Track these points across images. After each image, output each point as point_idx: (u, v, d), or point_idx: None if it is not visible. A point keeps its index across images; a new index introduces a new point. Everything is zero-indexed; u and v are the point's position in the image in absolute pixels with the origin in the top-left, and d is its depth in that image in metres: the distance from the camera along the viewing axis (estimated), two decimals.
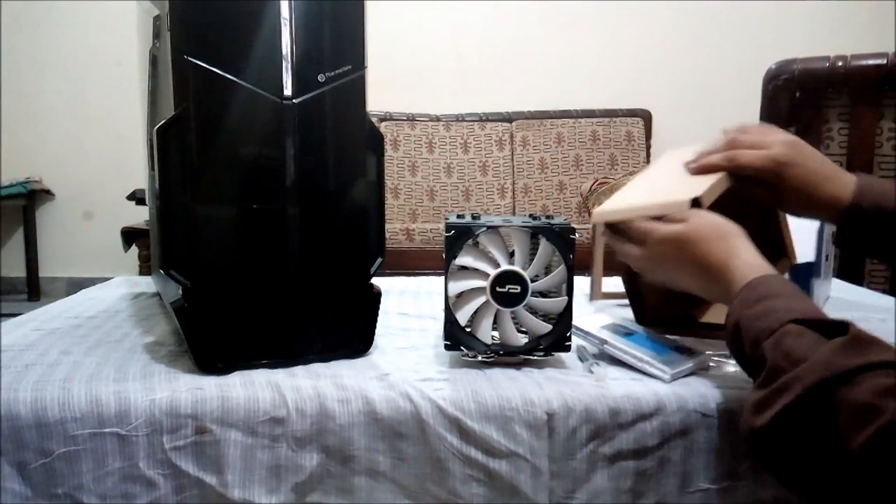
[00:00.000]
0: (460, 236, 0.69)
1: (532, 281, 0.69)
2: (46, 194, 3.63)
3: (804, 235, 0.85)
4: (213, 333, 0.68)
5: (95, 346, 0.76)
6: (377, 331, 0.76)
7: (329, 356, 0.72)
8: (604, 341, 0.73)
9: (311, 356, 0.71)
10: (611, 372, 0.69)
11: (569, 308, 0.70)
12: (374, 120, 1.43)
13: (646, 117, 3.41)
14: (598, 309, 0.96)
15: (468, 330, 0.71)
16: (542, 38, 3.53)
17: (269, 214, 0.68)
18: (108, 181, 3.47)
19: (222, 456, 0.62)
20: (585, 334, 0.74)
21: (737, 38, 3.45)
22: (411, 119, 3.37)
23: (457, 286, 0.70)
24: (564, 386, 0.66)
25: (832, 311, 0.95)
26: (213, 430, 0.62)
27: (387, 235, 0.91)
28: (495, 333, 0.71)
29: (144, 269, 2.83)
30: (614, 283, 0.89)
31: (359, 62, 0.69)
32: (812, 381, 0.49)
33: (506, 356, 0.71)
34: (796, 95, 1.66)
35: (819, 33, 3.30)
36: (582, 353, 0.74)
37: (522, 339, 0.72)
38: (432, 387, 0.65)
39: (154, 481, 0.62)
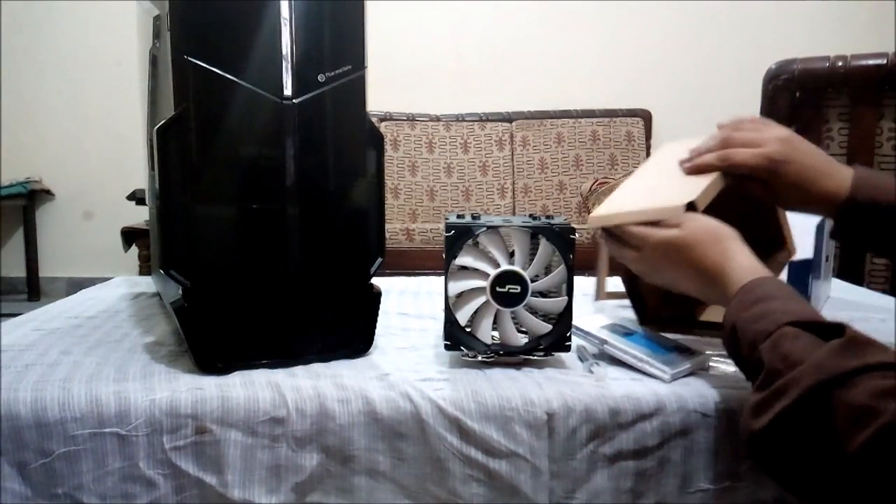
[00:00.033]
0: (460, 236, 0.69)
1: (532, 281, 0.69)
2: (46, 194, 3.63)
3: (801, 233, 0.85)
4: (213, 333, 0.68)
5: (95, 346, 0.76)
6: (377, 331, 0.76)
7: (329, 356, 0.72)
8: (604, 341, 0.73)
9: (311, 356, 0.71)
10: (611, 372, 0.69)
11: (569, 308, 0.70)
12: (374, 120, 1.43)
13: (646, 117, 3.41)
14: (598, 309, 0.96)
15: (468, 330, 0.71)
16: (542, 38, 3.53)
17: (269, 214, 0.68)
18: (108, 181, 3.47)
19: (222, 456, 0.62)
20: (585, 334, 0.74)
21: (737, 38, 3.45)
22: (411, 119, 3.37)
23: (457, 286, 0.70)
24: (564, 386, 0.66)
25: (832, 311, 0.95)
26: (213, 430, 0.62)
27: (387, 235, 0.91)
28: (495, 333, 0.71)
29: (144, 269, 2.83)
30: (619, 284, 0.89)
31: (359, 62, 0.69)
32: (809, 383, 0.49)
33: (506, 356, 0.71)
34: (796, 95, 1.66)
35: (819, 33, 3.30)
36: (582, 353, 0.74)
37: (522, 339, 0.72)
38: (432, 387, 0.65)
39: (154, 481, 0.62)
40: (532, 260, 0.70)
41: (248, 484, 0.62)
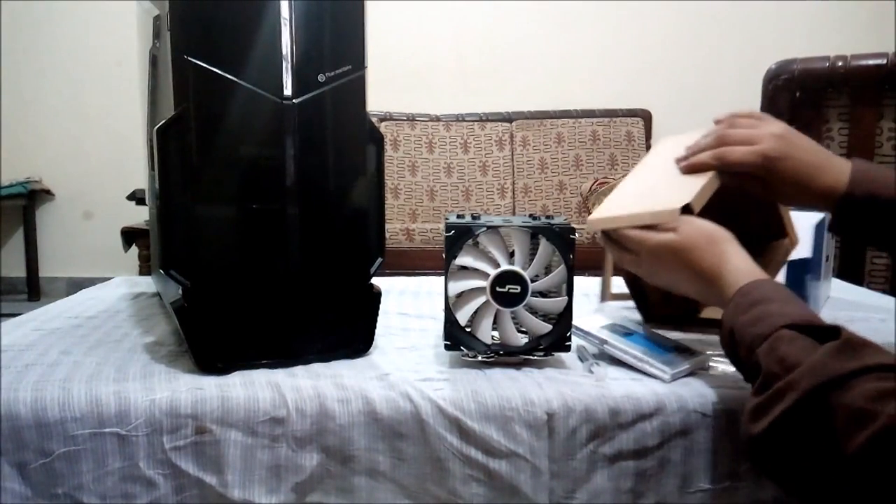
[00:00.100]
0: (460, 236, 0.69)
1: (532, 281, 0.69)
2: (46, 194, 3.63)
3: (800, 232, 0.85)
4: (213, 333, 0.68)
5: (95, 346, 0.76)
6: (377, 331, 0.76)
7: (329, 356, 0.72)
8: (604, 341, 0.73)
9: (311, 356, 0.71)
10: (611, 372, 0.69)
11: (569, 308, 0.70)
12: (374, 120, 1.43)
13: (646, 117, 3.41)
14: (599, 309, 0.96)
15: (468, 330, 0.71)
16: (542, 38, 3.53)
17: (269, 214, 0.68)
18: (108, 181, 3.47)
19: (222, 456, 0.62)
20: (585, 334, 0.74)
21: (737, 38, 3.45)
22: (411, 119, 3.37)
23: (457, 286, 0.70)
24: (564, 386, 0.66)
25: (832, 311, 0.95)
26: (213, 430, 0.62)
27: (387, 235, 0.91)
28: (495, 333, 0.71)
29: (144, 269, 2.83)
30: (624, 285, 0.89)
31: (359, 62, 0.69)
32: (807, 386, 0.49)
33: (506, 356, 0.71)
34: (796, 95, 1.66)
35: (819, 33, 3.30)
36: (582, 353, 0.74)
37: (522, 339, 0.72)
38: (432, 387, 0.65)
39: (154, 481, 0.62)
40: (532, 260, 0.70)
41: (248, 484, 0.62)
